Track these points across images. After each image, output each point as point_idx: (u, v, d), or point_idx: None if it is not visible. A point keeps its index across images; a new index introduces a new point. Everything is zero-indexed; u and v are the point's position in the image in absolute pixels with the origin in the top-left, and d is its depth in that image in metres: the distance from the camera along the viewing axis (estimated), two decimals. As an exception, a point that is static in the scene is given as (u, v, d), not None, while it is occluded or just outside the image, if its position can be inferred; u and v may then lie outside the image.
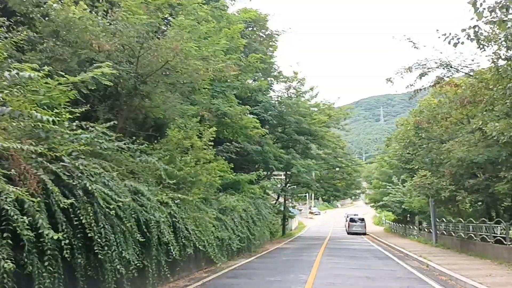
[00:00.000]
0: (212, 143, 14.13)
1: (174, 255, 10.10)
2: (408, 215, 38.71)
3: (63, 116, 6.58)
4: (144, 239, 8.50)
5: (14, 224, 5.25)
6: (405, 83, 20.70)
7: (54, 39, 9.57)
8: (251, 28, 29.50)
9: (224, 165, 17.16)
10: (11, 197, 5.20)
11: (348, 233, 46.40)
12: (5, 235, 5.19)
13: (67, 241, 6.17)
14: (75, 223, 6.73)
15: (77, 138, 7.58)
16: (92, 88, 7.61)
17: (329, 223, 72.29)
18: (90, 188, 6.59)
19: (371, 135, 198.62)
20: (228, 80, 17.20)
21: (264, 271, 14.18)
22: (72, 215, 6.46)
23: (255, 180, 23.20)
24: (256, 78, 21.42)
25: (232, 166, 18.60)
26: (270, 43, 31.84)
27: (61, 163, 6.49)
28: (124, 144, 8.39)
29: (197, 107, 14.64)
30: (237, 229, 17.15)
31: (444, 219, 27.24)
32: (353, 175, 43.00)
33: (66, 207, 6.11)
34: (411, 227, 38.02)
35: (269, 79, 29.27)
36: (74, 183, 6.67)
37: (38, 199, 5.62)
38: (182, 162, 12.64)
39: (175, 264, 11.09)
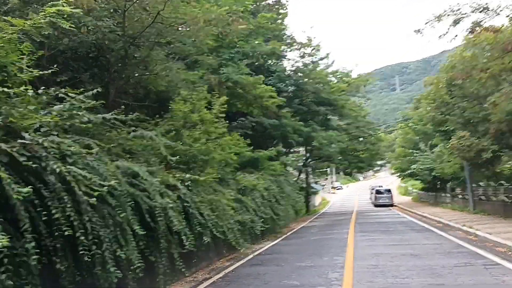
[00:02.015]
0: (224, 115, 12.44)
1: (188, 246, 8.55)
2: (439, 182, 36.55)
3: (16, 79, 4.91)
4: (145, 231, 6.91)
5: None
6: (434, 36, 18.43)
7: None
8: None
9: (240, 141, 15.45)
10: None
11: (375, 206, 44.62)
12: None
13: (32, 243, 4.62)
14: (52, 217, 5.21)
15: (50, 111, 5.98)
16: (46, 32, 5.86)
17: (353, 197, 70.46)
18: (58, 171, 4.97)
19: (387, 105, 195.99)
20: (237, 46, 15.38)
21: (293, 255, 12.60)
22: (39, 209, 4.87)
23: (275, 156, 21.56)
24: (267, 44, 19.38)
25: (249, 142, 16.93)
26: (280, 11, 29.68)
27: (19, 141, 4.87)
28: (112, 115, 6.73)
29: (202, 71, 12.85)
30: (260, 210, 15.58)
31: (480, 183, 25.18)
32: (377, 145, 40.84)
33: (24, 198, 4.51)
34: (443, 194, 35.96)
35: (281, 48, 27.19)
36: (42, 166, 5.08)
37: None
38: (191, 138, 11.00)
39: (191, 255, 9.55)
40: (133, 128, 8.00)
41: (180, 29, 9.31)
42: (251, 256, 12.71)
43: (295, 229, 22.38)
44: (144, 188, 7.65)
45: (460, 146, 19.08)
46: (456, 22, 15.60)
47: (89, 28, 8.07)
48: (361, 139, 37.56)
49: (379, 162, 52.85)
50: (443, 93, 21.28)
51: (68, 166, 5.20)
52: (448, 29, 15.71)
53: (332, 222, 26.52)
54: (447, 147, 23.13)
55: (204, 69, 13.25)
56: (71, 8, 5.63)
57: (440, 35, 15.71)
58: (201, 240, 9.75)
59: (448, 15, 15.91)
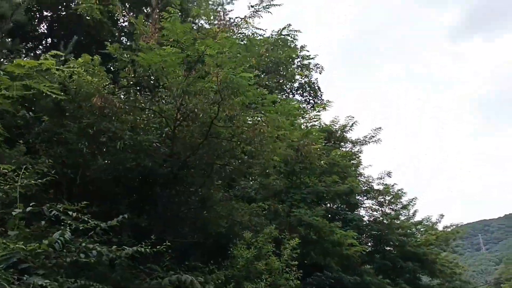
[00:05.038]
0: (297, 263, 9.91)
1: None
2: None
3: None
4: None
5: None
6: None
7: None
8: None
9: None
10: None
11: None
12: None
13: None
14: None
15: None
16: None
17: None
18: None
19: (473, 266, 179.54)
20: (309, 185, 13.51)
21: None
22: None
23: (361, 324, 17.57)
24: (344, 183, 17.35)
25: (328, 304, 13.70)
26: (352, 161, 28.10)
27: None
28: (140, 248, 4.71)
29: (267, 203, 10.84)
30: None
31: None
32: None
33: None
34: None
35: (357, 196, 24.81)
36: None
37: None
38: (255, 294, 8.47)
39: None
40: (172, 273, 5.83)
41: (240, 145, 7.74)
42: None
43: None
44: None
45: None
46: None
47: (126, 142, 6.73)
48: (462, 302, 31.30)
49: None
50: None
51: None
52: None
53: None
54: None
55: (271, 200, 11.29)
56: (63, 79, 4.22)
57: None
58: None
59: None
